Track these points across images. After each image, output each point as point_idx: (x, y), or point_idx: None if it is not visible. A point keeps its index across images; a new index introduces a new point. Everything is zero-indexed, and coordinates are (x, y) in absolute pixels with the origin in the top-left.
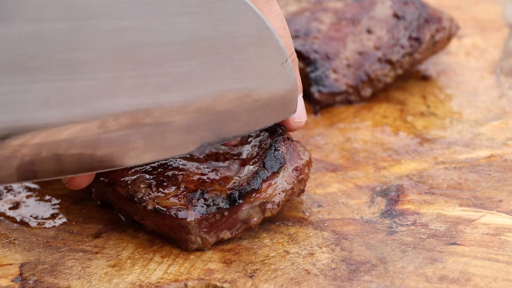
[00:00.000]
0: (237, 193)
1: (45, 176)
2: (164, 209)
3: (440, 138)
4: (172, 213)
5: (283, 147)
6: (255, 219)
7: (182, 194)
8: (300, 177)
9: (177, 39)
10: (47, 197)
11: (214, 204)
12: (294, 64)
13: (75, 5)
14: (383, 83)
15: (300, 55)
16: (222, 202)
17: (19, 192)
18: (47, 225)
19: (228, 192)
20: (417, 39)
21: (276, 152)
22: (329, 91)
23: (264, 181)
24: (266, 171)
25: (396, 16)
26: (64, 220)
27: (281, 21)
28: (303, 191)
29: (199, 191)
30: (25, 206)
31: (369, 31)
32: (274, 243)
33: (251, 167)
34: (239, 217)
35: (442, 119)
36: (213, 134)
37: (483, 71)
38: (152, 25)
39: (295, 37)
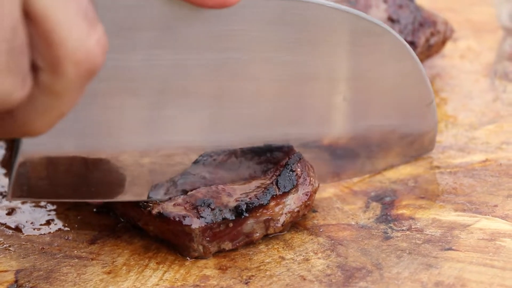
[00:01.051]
0: (244, 206)
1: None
2: (169, 214)
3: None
4: (177, 219)
5: (298, 169)
6: (258, 234)
7: (189, 201)
8: (308, 202)
9: (332, 75)
10: (43, 203)
11: (220, 214)
12: None
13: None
14: None
15: None
16: (228, 213)
17: None
18: (42, 232)
19: (236, 203)
20: (412, 43)
21: (291, 172)
22: None
23: (273, 198)
24: (277, 189)
25: (391, 19)
26: (60, 226)
27: None
28: (304, 215)
29: (206, 200)
30: (21, 212)
31: None
32: (269, 249)
33: (262, 181)
34: (243, 230)
35: (437, 123)
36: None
37: (478, 74)
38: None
39: None
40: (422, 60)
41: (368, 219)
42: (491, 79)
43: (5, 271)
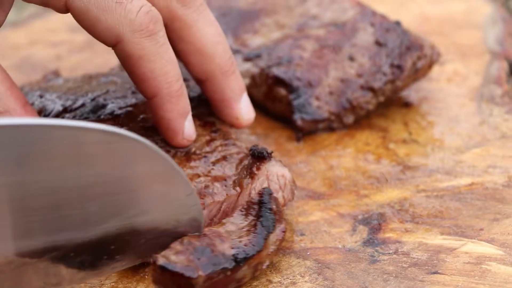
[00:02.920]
0: (243, 255)
1: None
2: (174, 267)
3: (422, 165)
4: (181, 271)
5: (274, 206)
6: (247, 278)
7: (189, 249)
8: (284, 238)
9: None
10: None
11: (220, 264)
12: (232, 68)
13: None
14: (365, 110)
15: (282, 82)
16: (227, 262)
17: None
18: None
19: (233, 252)
20: (399, 67)
21: (270, 211)
22: (312, 118)
23: (264, 241)
24: (264, 231)
25: (378, 43)
26: None
27: (216, 28)
28: (277, 253)
29: (206, 249)
30: None
31: (351, 58)
32: None
33: (239, 221)
34: (235, 277)
35: (424, 146)
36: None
37: (465, 98)
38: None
39: (277, 64)
40: (409, 84)
41: (355, 243)
42: (478, 102)
43: None
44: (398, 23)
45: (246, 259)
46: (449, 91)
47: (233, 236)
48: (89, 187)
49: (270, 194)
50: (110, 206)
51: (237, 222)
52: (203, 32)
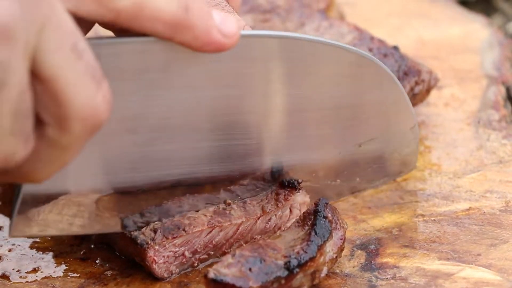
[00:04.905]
0: (295, 262)
1: None
2: (224, 278)
3: (419, 190)
4: (232, 282)
5: (329, 215)
6: (305, 286)
7: (240, 261)
8: (343, 246)
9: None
10: (29, 251)
11: (272, 273)
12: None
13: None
14: None
15: None
16: (280, 271)
17: (1, 246)
18: (29, 279)
19: (285, 260)
20: None
21: (324, 219)
22: None
23: (318, 248)
24: (318, 238)
25: None
26: (46, 274)
27: None
28: (336, 261)
29: (258, 259)
30: (7, 259)
31: None
32: None
33: (295, 232)
34: (292, 285)
35: (422, 171)
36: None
37: (462, 123)
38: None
39: None
40: None
41: (353, 267)
42: (475, 127)
43: None
44: (396, 48)
45: (299, 266)
46: (447, 116)
47: (287, 246)
48: (335, 109)
49: (326, 203)
50: (345, 131)
51: (293, 233)
52: None
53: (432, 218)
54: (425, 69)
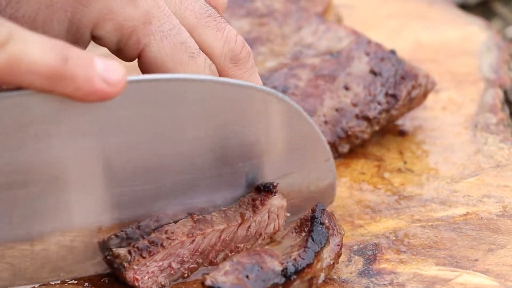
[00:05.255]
0: (293, 268)
1: None
2: (221, 285)
3: (417, 195)
4: None
5: (326, 221)
6: None
7: (237, 268)
8: (340, 252)
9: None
10: None
11: (269, 280)
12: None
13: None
14: (360, 139)
15: None
16: (277, 277)
17: None
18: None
19: (282, 267)
20: (394, 96)
21: (321, 226)
22: None
23: (316, 255)
24: (316, 245)
25: (373, 72)
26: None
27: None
28: (333, 267)
29: (255, 266)
30: None
31: (346, 88)
32: None
33: (292, 239)
34: None
35: (419, 176)
36: None
37: (459, 126)
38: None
39: None
40: (403, 113)
41: (351, 273)
42: (473, 131)
43: None
44: (393, 52)
45: (296, 273)
46: (444, 120)
47: (284, 252)
48: (246, 146)
49: (323, 209)
50: (255, 167)
51: (290, 239)
52: None
53: (430, 223)
54: (422, 73)
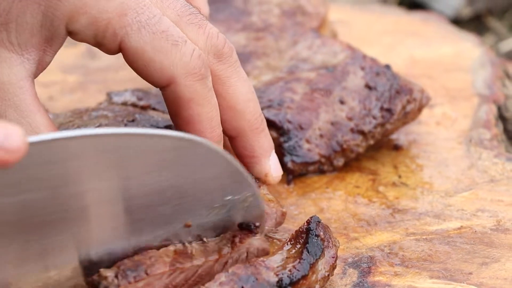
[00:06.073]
0: (288, 280)
1: None
2: None
3: (411, 208)
4: None
5: (321, 233)
6: None
7: (233, 279)
8: (335, 264)
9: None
10: None
11: None
12: (262, 126)
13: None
14: (355, 153)
15: (273, 125)
16: None
17: None
18: None
19: (277, 278)
20: (389, 110)
21: (316, 238)
22: (302, 161)
23: (310, 267)
24: (311, 257)
25: (368, 86)
26: None
27: (248, 85)
28: (328, 279)
29: (250, 277)
30: None
31: (341, 102)
32: None
33: (287, 251)
34: None
35: (413, 190)
36: None
37: (453, 141)
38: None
39: (268, 107)
40: (398, 127)
41: (345, 286)
42: (467, 146)
43: None
44: (388, 67)
45: (291, 284)
46: (438, 135)
47: (279, 264)
48: (161, 192)
49: (318, 221)
50: (180, 208)
51: (285, 251)
52: (236, 88)
53: (424, 237)
54: (417, 88)
